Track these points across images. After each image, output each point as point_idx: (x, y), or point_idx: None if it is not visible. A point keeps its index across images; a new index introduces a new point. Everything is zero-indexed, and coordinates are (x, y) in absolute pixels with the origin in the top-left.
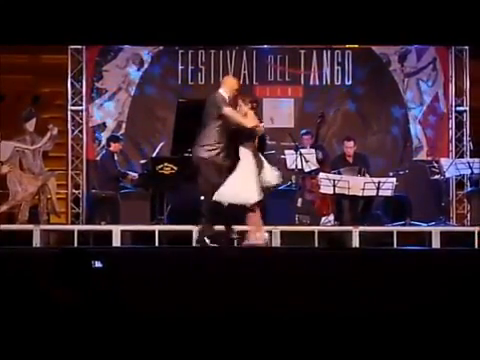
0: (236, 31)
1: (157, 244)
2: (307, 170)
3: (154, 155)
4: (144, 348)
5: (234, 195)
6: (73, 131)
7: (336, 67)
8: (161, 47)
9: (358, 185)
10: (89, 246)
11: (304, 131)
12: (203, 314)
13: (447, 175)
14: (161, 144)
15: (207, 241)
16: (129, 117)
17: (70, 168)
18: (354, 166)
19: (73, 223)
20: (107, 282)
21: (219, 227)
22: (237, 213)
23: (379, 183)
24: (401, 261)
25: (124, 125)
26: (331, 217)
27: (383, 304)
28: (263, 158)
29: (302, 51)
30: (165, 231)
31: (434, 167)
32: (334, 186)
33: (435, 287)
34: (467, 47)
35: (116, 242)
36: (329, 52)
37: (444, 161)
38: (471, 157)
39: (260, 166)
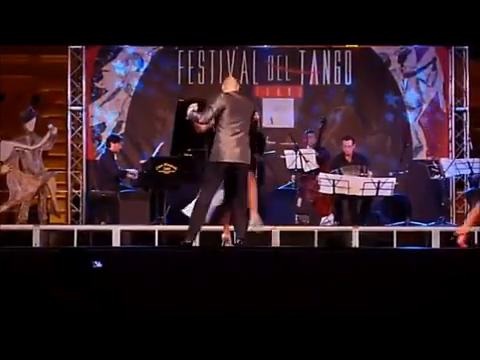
0: (236, 31)
1: (157, 244)
2: (307, 170)
3: (154, 155)
4: (143, 348)
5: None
6: (73, 131)
7: (336, 67)
8: (161, 47)
9: (358, 185)
10: (89, 246)
11: (308, 130)
12: (203, 314)
13: (447, 175)
14: (161, 144)
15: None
16: (129, 117)
17: (70, 168)
18: (354, 165)
19: (73, 223)
20: (107, 282)
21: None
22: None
23: (379, 183)
24: (401, 261)
25: (124, 125)
26: (331, 217)
27: (383, 304)
28: None
29: (302, 51)
30: (165, 231)
31: (434, 167)
32: (334, 186)
33: (435, 287)
34: (467, 47)
35: (116, 242)
36: (329, 52)
37: (444, 161)
38: (471, 157)
39: None
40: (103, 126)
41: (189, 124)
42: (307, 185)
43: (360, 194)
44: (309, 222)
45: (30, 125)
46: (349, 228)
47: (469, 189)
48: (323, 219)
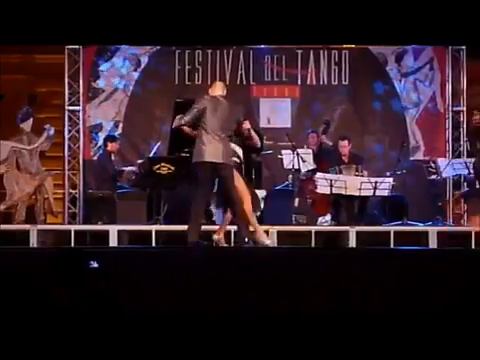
0: (233, 31)
1: (154, 244)
2: (304, 170)
3: (151, 155)
4: (139, 347)
5: None
6: (70, 131)
7: (333, 67)
8: (158, 47)
9: (355, 185)
10: (86, 246)
11: (310, 130)
12: (200, 314)
13: (444, 175)
14: (158, 144)
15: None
16: (126, 117)
17: (67, 168)
18: (350, 165)
19: (70, 223)
20: (104, 282)
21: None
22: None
23: (376, 183)
24: (398, 261)
25: (121, 125)
26: (328, 217)
27: (380, 304)
28: None
29: (299, 51)
30: (162, 231)
31: (431, 167)
32: (331, 186)
33: (432, 287)
34: (464, 47)
35: (113, 242)
36: (326, 52)
37: (441, 161)
38: (468, 157)
39: None
40: (100, 126)
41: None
42: (304, 185)
43: (357, 194)
44: (306, 222)
45: (27, 125)
46: (346, 228)
47: (466, 189)
48: (320, 219)
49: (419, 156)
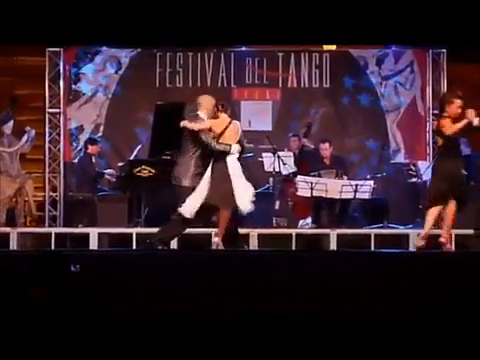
0: (214, 32)
1: (134, 247)
2: (285, 173)
3: (132, 157)
4: (120, 350)
5: None
6: (51, 133)
7: (314, 70)
8: (139, 50)
9: (336, 188)
10: (66, 249)
11: (291, 134)
12: (180, 316)
13: (424, 178)
14: (139, 147)
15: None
16: (107, 120)
17: (47, 171)
18: (331, 168)
19: (50, 226)
20: (84, 285)
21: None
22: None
23: (357, 186)
24: (378, 264)
25: (102, 128)
26: (309, 220)
27: (359, 307)
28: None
29: (280, 54)
30: (142, 234)
31: (411, 170)
32: (312, 189)
33: (412, 290)
34: (444, 50)
35: (93, 245)
36: (307, 55)
37: (421, 164)
38: None
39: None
40: (81, 129)
41: (167, 127)
42: (285, 188)
43: (338, 197)
44: (287, 225)
45: (7, 127)
46: (327, 231)
47: None
48: (301, 222)
49: (400, 159)
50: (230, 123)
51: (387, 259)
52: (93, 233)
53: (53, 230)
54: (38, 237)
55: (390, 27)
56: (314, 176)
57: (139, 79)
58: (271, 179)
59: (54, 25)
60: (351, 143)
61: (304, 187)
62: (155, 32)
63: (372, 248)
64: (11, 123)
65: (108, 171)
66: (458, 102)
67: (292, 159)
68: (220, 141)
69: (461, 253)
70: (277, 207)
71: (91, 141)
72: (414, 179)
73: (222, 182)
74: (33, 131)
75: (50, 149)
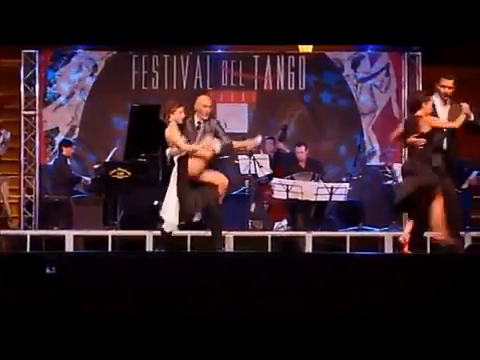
0: (190, 33)
1: (110, 249)
2: (260, 175)
3: (107, 160)
4: (94, 351)
5: None
6: (26, 136)
7: (290, 72)
8: (115, 52)
9: (311, 190)
10: (42, 251)
11: (266, 137)
12: (154, 317)
13: (400, 180)
14: (114, 149)
15: None
16: (82, 122)
17: (23, 173)
18: (307, 171)
19: (26, 228)
20: (60, 287)
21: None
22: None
23: (332, 188)
24: (353, 266)
25: (77, 130)
26: (284, 222)
27: (335, 308)
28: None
29: (256, 56)
30: (118, 236)
31: (387, 172)
32: (287, 191)
33: (387, 291)
34: (420, 53)
35: (69, 247)
36: (283, 57)
37: (397, 166)
38: None
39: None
40: (56, 131)
41: (143, 129)
42: (261, 190)
43: (313, 199)
44: (262, 227)
45: None
46: (302, 233)
47: None
48: (276, 224)
49: (375, 161)
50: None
51: (362, 261)
52: (69, 235)
53: (28, 232)
54: (13, 239)
55: (367, 28)
56: (289, 179)
57: (115, 81)
58: (247, 182)
59: (30, 27)
60: (327, 146)
61: (280, 189)
62: (131, 34)
63: (347, 250)
64: None
65: (85, 178)
66: (432, 99)
67: (268, 162)
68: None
69: (433, 255)
70: (253, 210)
71: (65, 143)
72: (389, 181)
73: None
74: (8, 133)
75: (25, 151)
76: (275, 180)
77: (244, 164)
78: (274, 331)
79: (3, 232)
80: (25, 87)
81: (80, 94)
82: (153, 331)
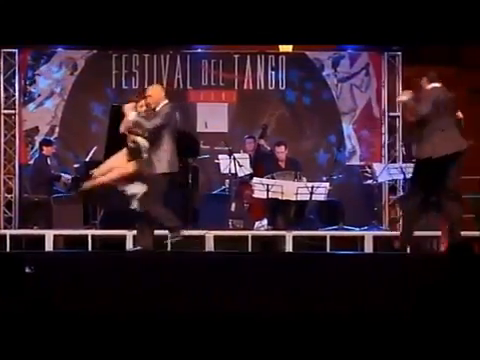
0: (169, 33)
1: (90, 249)
2: (241, 175)
3: (87, 159)
4: (75, 352)
5: None
6: (6, 135)
7: (270, 72)
8: (95, 51)
9: (291, 190)
10: (21, 251)
11: (246, 136)
12: (135, 316)
13: (379, 180)
14: (94, 148)
15: None
16: (62, 121)
17: (2, 172)
18: (287, 170)
19: (5, 228)
20: (39, 287)
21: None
22: None
23: (312, 188)
24: (334, 265)
25: (57, 129)
26: (264, 221)
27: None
28: None
29: (236, 56)
30: (98, 236)
31: (367, 172)
32: (267, 191)
33: (367, 291)
34: (400, 53)
35: (49, 247)
36: (263, 57)
37: (377, 166)
38: (403, 162)
39: None
40: (36, 130)
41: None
42: (241, 190)
43: (294, 199)
44: (243, 226)
45: None
46: (283, 232)
47: (400, 195)
48: (257, 223)
49: (355, 161)
50: None
51: (342, 261)
52: (48, 235)
53: (8, 232)
54: None
55: (347, 28)
56: (270, 178)
57: (95, 81)
58: (227, 181)
59: (9, 25)
60: (307, 145)
61: (260, 189)
62: (111, 33)
63: (328, 250)
64: None
65: (65, 176)
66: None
67: (248, 161)
68: None
69: (417, 254)
70: (233, 209)
71: (45, 142)
72: (369, 181)
73: None
74: None
75: (5, 150)
76: (255, 179)
77: (224, 163)
78: (259, 331)
79: None
80: (5, 86)
81: (60, 93)
82: (132, 330)
